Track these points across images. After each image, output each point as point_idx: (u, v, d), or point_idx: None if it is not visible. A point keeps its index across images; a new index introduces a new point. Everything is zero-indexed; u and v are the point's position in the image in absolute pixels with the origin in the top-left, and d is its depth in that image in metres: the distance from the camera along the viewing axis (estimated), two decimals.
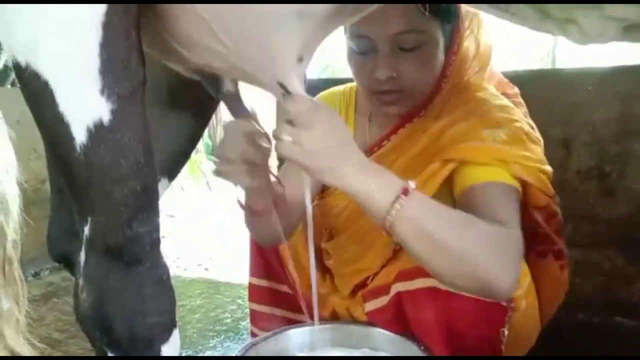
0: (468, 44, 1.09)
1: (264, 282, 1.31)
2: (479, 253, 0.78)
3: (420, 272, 0.93)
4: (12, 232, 0.61)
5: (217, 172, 0.89)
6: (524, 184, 0.96)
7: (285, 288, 1.30)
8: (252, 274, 1.33)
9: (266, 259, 1.30)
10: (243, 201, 0.99)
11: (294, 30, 0.71)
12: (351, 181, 0.77)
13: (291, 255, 1.25)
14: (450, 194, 1.00)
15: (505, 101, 1.06)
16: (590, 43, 0.70)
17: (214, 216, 3.56)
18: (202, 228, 3.28)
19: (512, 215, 0.90)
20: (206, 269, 2.50)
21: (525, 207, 0.98)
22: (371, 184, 0.77)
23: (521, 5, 0.69)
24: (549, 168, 1.00)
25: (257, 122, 0.89)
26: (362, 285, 1.14)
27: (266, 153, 0.90)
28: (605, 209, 1.57)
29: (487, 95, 1.06)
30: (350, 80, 1.17)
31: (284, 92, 0.77)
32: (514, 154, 0.95)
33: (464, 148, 0.97)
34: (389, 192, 0.76)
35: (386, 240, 1.07)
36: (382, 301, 1.04)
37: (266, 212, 0.97)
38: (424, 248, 0.78)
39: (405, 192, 0.76)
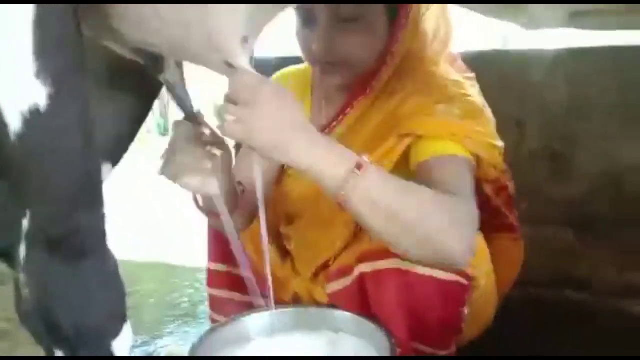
0: (429, 24, 1.08)
1: (222, 267, 1.29)
2: (433, 222, 0.79)
3: (384, 253, 0.93)
4: None
5: (171, 176, 0.85)
6: (476, 158, 0.98)
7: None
8: (211, 259, 1.30)
9: (224, 243, 1.27)
10: (201, 203, 0.98)
11: (242, 12, 0.68)
12: (302, 157, 0.77)
13: (250, 239, 1.23)
14: (407, 169, 1.00)
15: (458, 77, 1.07)
16: (539, 28, 0.72)
17: (167, 198, 3.48)
18: (155, 210, 3.20)
19: (466, 187, 0.91)
20: (160, 252, 2.45)
21: (477, 180, 1.00)
22: (322, 160, 0.77)
23: None
24: (500, 143, 1.02)
25: (203, 122, 0.87)
26: (324, 267, 1.13)
27: (225, 160, 0.89)
28: (557, 188, 1.61)
29: (441, 71, 1.07)
30: None
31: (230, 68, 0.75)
32: (466, 128, 0.97)
33: (418, 122, 0.98)
34: (342, 167, 0.77)
35: (345, 220, 1.07)
36: (344, 282, 1.04)
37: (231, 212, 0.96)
38: (378, 220, 0.79)
39: (359, 166, 0.77)
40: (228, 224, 0.89)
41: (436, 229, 0.79)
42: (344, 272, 1.04)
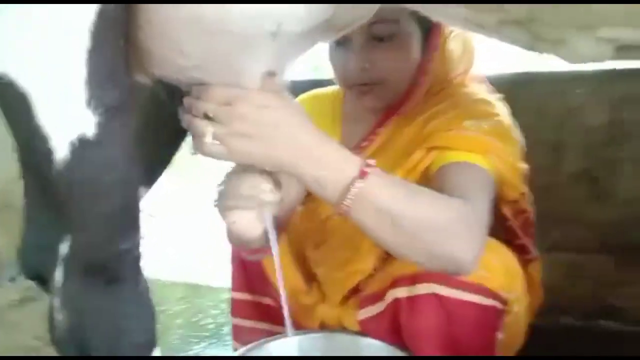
0: (454, 46, 1.08)
1: (246, 296, 1.27)
2: (440, 226, 0.77)
3: (420, 277, 0.91)
4: None
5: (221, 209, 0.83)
6: (498, 177, 0.96)
7: (268, 300, 1.26)
8: (234, 288, 1.28)
9: (248, 272, 1.25)
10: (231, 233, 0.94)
11: (265, 50, 0.67)
12: (297, 174, 0.74)
13: (271, 265, 1.21)
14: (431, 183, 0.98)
15: (488, 97, 1.06)
16: (583, 62, 0.70)
17: (193, 217, 3.49)
18: (180, 229, 3.21)
19: (480, 193, 0.89)
20: (186, 271, 2.45)
21: (496, 200, 0.98)
22: (321, 170, 0.73)
23: (512, 27, 0.67)
24: (523, 165, 1.01)
25: None
26: (354, 291, 1.10)
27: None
28: (595, 214, 1.56)
29: (468, 90, 1.07)
30: None
31: None
32: (492, 145, 0.95)
33: (446, 136, 0.97)
34: (343, 173, 0.73)
35: None
36: (377, 308, 1.01)
37: (262, 249, 0.95)
38: (382, 227, 0.76)
39: (362, 173, 0.73)
40: (276, 257, 0.86)
41: (444, 234, 0.77)
42: (377, 297, 1.01)
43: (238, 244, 0.97)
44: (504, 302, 0.92)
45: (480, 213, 0.84)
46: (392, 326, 0.98)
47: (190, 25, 0.59)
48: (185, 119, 0.74)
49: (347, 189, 0.72)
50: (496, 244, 0.95)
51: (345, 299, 1.12)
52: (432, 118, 1.02)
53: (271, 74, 0.72)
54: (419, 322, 0.93)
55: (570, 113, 1.55)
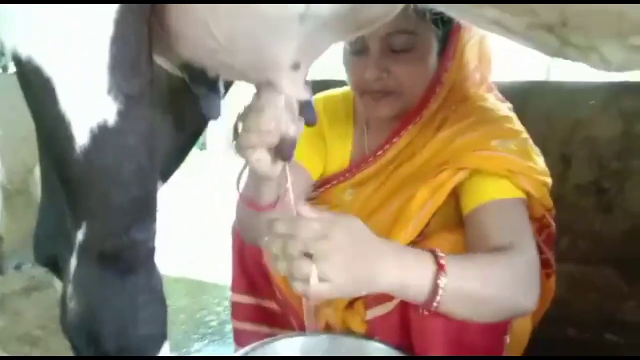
0: (471, 55, 1.07)
1: (247, 299, 1.27)
2: (508, 291, 0.83)
3: None
4: None
5: (243, 147, 0.78)
6: (527, 196, 0.96)
7: (270, 304, 1.26)
8: (234, 289, 1.28)
9: (250, 273, 1.24)
10: (241, 192, 0.95)
11: (293, 34, 0.67)
12: (386, 284, 0.76)
13: None
14: (456, 201, 0.99)
15: (507, 112, 1.06)
16: (613, 71, 0.69)
17: (202, 213, 3.50)
18: (188, 224, 3.22)
19: (524, 232, 0.91)
20: (192, 267, 2.45)
21: None
22: (406, 277, 0.77)
23: (541, 32, 0.66)
24: (549, 180, 1.00)
25: None
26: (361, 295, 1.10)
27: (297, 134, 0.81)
28: (603, 225, 1.56)
29: (491, 106, 1.06)
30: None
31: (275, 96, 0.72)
32: (521, 165, 0.96)
33: (475, 156, 0.97)
34: (426, 276, 0.77)
35: None
36: (385, 307, 1.01)
37: (272, 207, 0.94)
38: (467, 307, 0.83)
39: (441, 267, 0.77)
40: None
41: (510, 294, 0.83)
42: (385, 297, 1.01)
43: (251, 196, 0.94)
44: None
45: (532, 257, 0.88)
46: (401, 325, 0.98)
47: (216, 6, 0.59)
48: (281, 266, 0.72)
49: (434, 285, 0.77)
50: None
51: (351, 302, 1.12)
52: (455, 137, 1.02)
53: (296, 67, 0.72)
54: (428, 322, 0.92)
55: (579, 124, 1.55)
